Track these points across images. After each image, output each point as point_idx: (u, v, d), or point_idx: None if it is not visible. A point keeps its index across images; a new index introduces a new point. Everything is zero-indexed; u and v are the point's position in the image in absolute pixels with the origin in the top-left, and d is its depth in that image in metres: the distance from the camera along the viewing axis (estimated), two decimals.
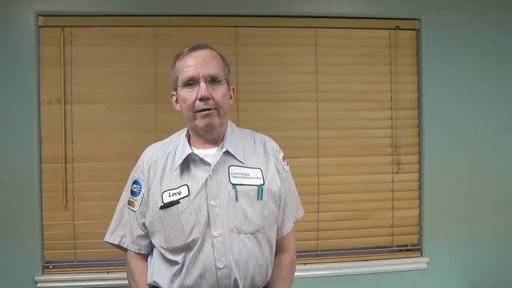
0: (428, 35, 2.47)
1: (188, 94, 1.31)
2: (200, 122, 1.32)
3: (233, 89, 1.41)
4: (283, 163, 1.42)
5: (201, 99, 1.29)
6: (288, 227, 1.45)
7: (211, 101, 1.30)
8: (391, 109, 2.49)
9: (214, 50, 1.38)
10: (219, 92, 1.31)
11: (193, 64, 1.31)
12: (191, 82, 1.31)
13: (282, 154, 1.44)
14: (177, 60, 1.35)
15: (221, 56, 1.38)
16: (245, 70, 2.37)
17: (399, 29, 2.48)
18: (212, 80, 1.31)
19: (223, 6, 2.34)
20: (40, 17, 2.23)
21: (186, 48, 1.35)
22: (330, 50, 2.44)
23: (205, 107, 1.30)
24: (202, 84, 1.29)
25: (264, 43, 2.39)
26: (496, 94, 2.53)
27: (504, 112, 2.54)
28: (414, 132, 2.51)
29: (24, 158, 2.22)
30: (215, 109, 1.31)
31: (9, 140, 2.21)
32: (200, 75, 1.30)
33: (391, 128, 2.49)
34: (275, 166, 1.39)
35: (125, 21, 2.29)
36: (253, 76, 2.38)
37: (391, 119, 2.49)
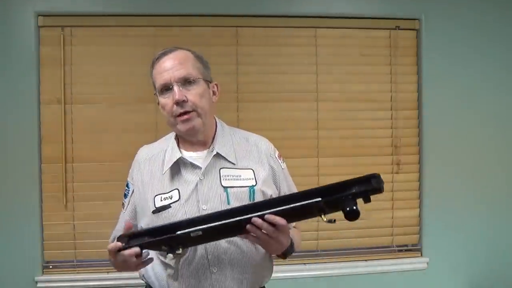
0: (428, 35, 2.47)
1: (166, 101, 1.29)
2: (181, 127, 1.30)
3: (216, 84, 1.38)
4: (279, 161, 1.40)
5: (177, 103, 1.26)
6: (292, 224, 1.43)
7: (188, 103, 1.27)
8: (391, 109, 2.49)
9: (186, 50, 1.34)
10: (194, 93, 1.28)
11: (164, 69, 1.28)
12: (166, 88, 1.29)
13: (277, 152, 1.42)
14: (152, 68, 1.33)
15: (194, 55, 1.34)
16: (245, 70, 2.37)
17: (399, 29, 2.48)
18: (186, 82, 1.28)
19: (223, 6, 2.34)
20: (40, 17, 2.24)
21: (158, 54, 1.32)
22: (330, 50, 2.44)
23: (182, 110, 1.27)
24: (175, 88, 1.26)
25: (264, 43, 2.39)
26: (497, 93, 2.53)
27: (504, 112, 2.54)
28: (414, 132, 2.51)
29: (24, 158, 2.22)
30: (193, 110, 1.28)
31: (9, 140, 2.21)
32: (172, 79, 1.27)
33: (391, 128, 2.49)
34: (270, 165, 1.36)
35: (125, 21, 2.29)
36: (253, 76, 2.38)
37: (391, 119, 2.49)
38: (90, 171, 2.27)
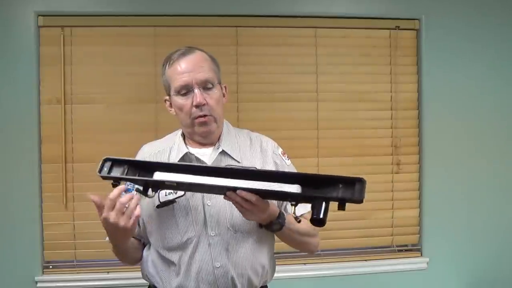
0: (428, 35, 2.47)
1: (184, 102, 1.30)
2: (198, 129, 1.32)
3: (225, 86, 1.40)
4: (282, 157, 1.42)
5: (197, 106, 1.29)
6: (298, 212, 1.33)
7: (206, 107, 1.29)
8: (391, 109, 2.49)
9: (203, 51, 1.36)
10: (213, 97, 1.31)
11: (185, 71, 1.29)
12: (185, 90, 1.30)
13: (280, 149, 1.44)
14: (167, 66, 1.33)
15: (210, 57, 1.36)
16: (245, 70, 2.37)
17: (399, 29, 2.48)
18: (206, 85, 1.30)
19: (223, 6, 2.34)
20: (40, 17, 2.23)
21: (176, 54, 1.33)
22: (330, 50, 2.44)
23: (202, 113, 1.29)
24: (197, 91, 1.28)
25: (264, 43, 2.39)
26: (497, 93, 2.53)
27: (505, 112, 2.54)
28: (414, 132, 2.51)
29: (24, 158, 2.22)
30: (211, 115, 1.31)
31: (9, 140, 2.21)
32: (193, 82, 1.28)
33: (391, 128, 2.49)
34: (274, 162, 1.39)
35: (125, 21, 2.29)
36: (253, 76, 2.38)
37: (391, 119, 2.49)
38: (90, 171, 2.23)
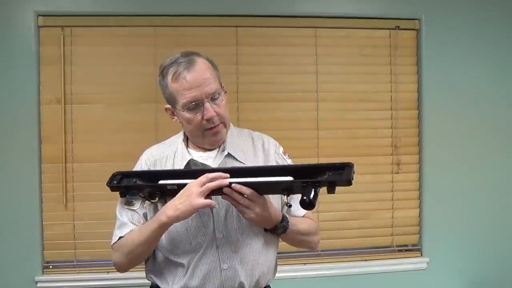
0: (428, 35, 2.47)
1: (193, 116, 1.29)
2: (209, 139, 1.33)
3: (224, 86, 1.38)
4: (284, 156, 1.43)
5: (208, 120, 1.28)
6: (301, 212, 1.39)
7: (217, 117, 1.29)
8: (391, 109, 2.49)
9: (201, 57, 1.33)
10: (221, 106, 1.31)
11: (192, 86, 1.27)
12: (194, 105, 1.28)
13: (281, 148, 1.45)
14: (171, 79, 1.30)
15: (210, 62, 1.35)
16: (245, 70, 2.37)
17: (399, 29, 2.48)
18: (213, 96, 1.30)
19: (223, 6, 2.34)
20: (40, 17, 2.23)
21: (180, 66, 1.29)
22: (330, 50, 2.44)
23: (213, 125, 1.30)
24: (207, 105, 1.27)
25: (264, 43, 2.39)
26: (496, 94, 2.53)
27: (505, 112, 2.54)
28: (414, 132, 2.51)
29: (24, 158, 2.22)
30: (221, 122, 1.31)
31: (9, 140, 2.21)
32: (202, 96, 1.27)
33: (391, 128, 2.49)
34: (276, 161, 1.39)
35: (125, 21, 2.29)
36: (253, 76, 2.38)
37: (391, 119, 2.49)
38: (90, 171, 2.26)
